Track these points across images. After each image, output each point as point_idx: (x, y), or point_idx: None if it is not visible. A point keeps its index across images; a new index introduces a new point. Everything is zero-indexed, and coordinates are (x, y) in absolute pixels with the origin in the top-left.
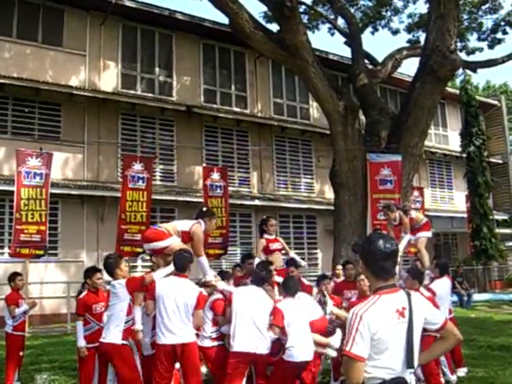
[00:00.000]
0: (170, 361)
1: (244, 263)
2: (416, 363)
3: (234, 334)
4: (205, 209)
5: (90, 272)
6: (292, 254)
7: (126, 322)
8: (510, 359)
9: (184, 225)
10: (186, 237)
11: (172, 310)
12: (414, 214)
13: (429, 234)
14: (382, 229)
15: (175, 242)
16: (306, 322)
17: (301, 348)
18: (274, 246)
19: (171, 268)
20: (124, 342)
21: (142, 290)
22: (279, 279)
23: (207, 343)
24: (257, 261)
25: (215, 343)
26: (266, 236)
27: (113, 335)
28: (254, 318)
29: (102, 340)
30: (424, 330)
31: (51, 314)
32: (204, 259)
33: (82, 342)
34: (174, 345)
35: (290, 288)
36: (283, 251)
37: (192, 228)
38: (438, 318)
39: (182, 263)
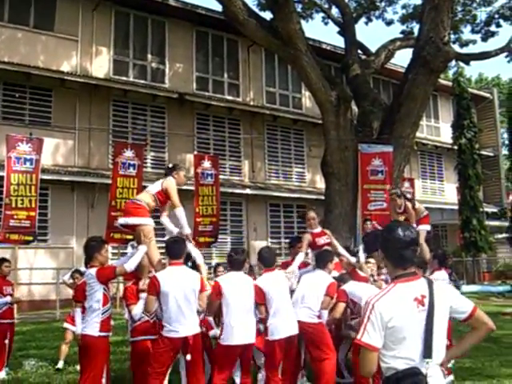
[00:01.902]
0: (176, 353)
1: (293, 247)
2: (438, 354)
3: (226, 326)
4: (170, 165)
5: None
6: (340, 249)
7: (103, 313)
8: (498, 351)
9: (156, 186)
10: (162, 196)
11: (182, 302)
12: (417, 204)
13: (428, 227)
14: (372, 219)
15: (148, 227)
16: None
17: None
18: (321, 240)
19: (141, 254)
20: (102, 334)
21: (114, 278)
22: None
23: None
24: (301, 256)
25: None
26: (310, 230)
27: (90, 327)
28: (245, 307)
29: (80, 332)
30: None
31: (40, 300)
32: (181, 210)
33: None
34: (186, 337)
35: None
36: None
37: (163, 184)
38: (465, 306)
39: (177, 250)
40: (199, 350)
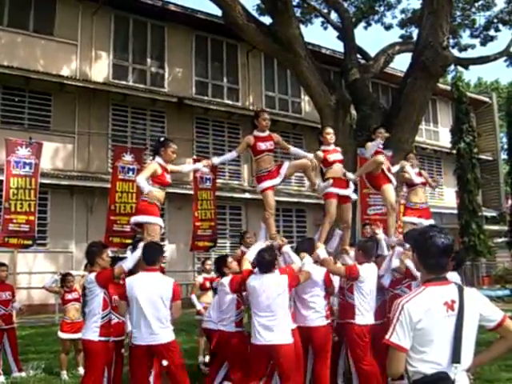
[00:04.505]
0: (147, 361)
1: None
2: (465, 359)
3: (252, 326)
4: (162, 139)
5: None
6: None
7: (102, 318)
8: None
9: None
10: (160, 179)
11: (148, 310)
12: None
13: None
14: (371, 223)
15: (153, 226)
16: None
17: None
18: (332, 156)
19: (139, 253)
20: (102, 339)
21: (113, 282)
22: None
23: (231, 328)
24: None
25: (239, 329)
26: (323, 148)
27: (90, 332)
28: (271, 307)
29: (81, 337)
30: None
31: (39, 305)
32: (139, 178)
33: None
34: (151, 345)
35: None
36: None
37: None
38: (495, 315)
39: (151, 256)
40: (173, 361)
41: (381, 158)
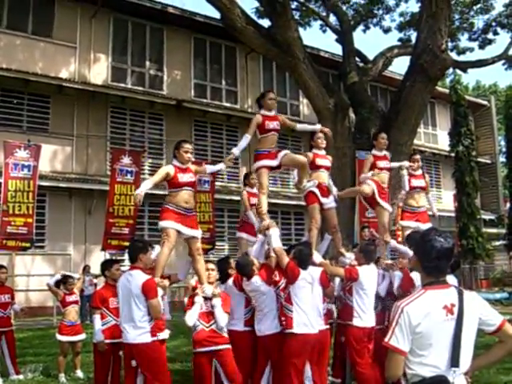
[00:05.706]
0: (127, 359)
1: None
2: (464, 363)
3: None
4: (178, 141)
5: (109, 264)
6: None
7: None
8: None
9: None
10: (174, 182)
11: (122, 307)
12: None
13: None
14: (369, 226)
15: (165, 230)
16: None
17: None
18: (321, 161)
19: (154, 254)
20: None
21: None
22: None
23: (240, 327)
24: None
25: (247, 328)
26: (314, 151)
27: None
28: (316, 298)
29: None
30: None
31: (37, 307)
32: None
33: (100, 336)
34: (124, 344)
35: None
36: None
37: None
38: (494, 319)
39: (132, 253)
40: (142, 362)
41: (366, 188)
